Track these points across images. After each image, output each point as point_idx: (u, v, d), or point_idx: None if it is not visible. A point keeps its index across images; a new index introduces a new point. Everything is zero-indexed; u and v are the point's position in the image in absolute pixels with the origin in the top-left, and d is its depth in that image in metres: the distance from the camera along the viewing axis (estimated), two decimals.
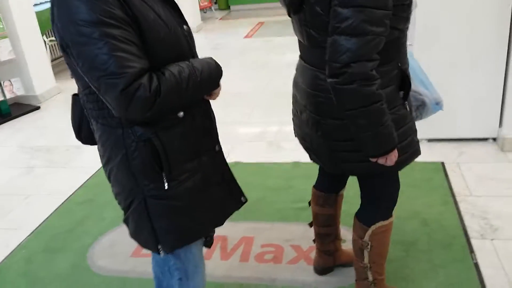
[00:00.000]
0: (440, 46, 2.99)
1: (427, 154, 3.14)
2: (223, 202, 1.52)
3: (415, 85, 1.67)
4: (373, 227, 1.73)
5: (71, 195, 3.09)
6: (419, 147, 1.64)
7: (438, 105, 1.74)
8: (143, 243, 1.49)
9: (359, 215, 1.79)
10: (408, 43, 3.20)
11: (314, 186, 2.02)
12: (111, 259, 2.41)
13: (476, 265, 2.10)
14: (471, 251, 2.20)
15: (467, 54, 2.98)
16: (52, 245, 2.58)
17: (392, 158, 1.45)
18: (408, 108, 1.56)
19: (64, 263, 2.43)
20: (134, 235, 1.49)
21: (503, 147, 3.09)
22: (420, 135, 3.21)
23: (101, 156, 1.42)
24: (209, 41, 7.41)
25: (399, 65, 1.49)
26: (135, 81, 1.14)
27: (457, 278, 2.04)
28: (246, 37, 7.35)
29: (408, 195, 2.68)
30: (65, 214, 2.89)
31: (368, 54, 1.31)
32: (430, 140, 3.30)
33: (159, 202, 1.36)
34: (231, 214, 1.55)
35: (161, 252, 1.43)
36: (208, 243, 1.74)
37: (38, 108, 4.83)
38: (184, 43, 1.33)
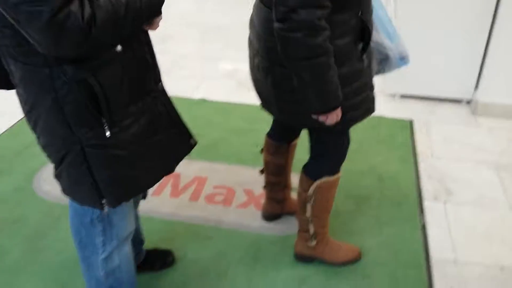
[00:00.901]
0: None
1: (398, 110, 3.07)
2: (172, 147, 1.38)
3: (380, 37, 1.55)
4: (318, 182, 1.67)
5: (24, 116, 2.95)
6: (373, 104, 1.55)
7: (402, 60, 1.63)
8: (82, 200, 1.33)
9: (305, 168, 1.73)
10: None
11: (267, 134, 1.94)
12: (57, 185, 2.33)
13: (424, 226, 2.09)
14: (421, 211, 2.18)
15: (451, 11, 2.83)
16: None
17: (333, 117, 1.36)
18: (365, 62, 1.44)
19: (8, 185, 2.35)
20: (70, 191, 1.34)
21: (475, 110, 3.03)
22: (393, 90, 3.21)
23: (24, 102, 1.22)
24: None
25: (359, 14, 1.36)
26: (63, 8, 0.94)
27: (400, 238, 2.02)
28: None
29: (369, 150, 2.63)
30: (16, 136, 2.78)
31: (318, 0, 1.18)
32: (403, 96, 3.22)
33: (100, 152, 1.21)
34: (182, 159, 1.43)
35: (105, 207, 1.29)
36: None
37: None
38: None
